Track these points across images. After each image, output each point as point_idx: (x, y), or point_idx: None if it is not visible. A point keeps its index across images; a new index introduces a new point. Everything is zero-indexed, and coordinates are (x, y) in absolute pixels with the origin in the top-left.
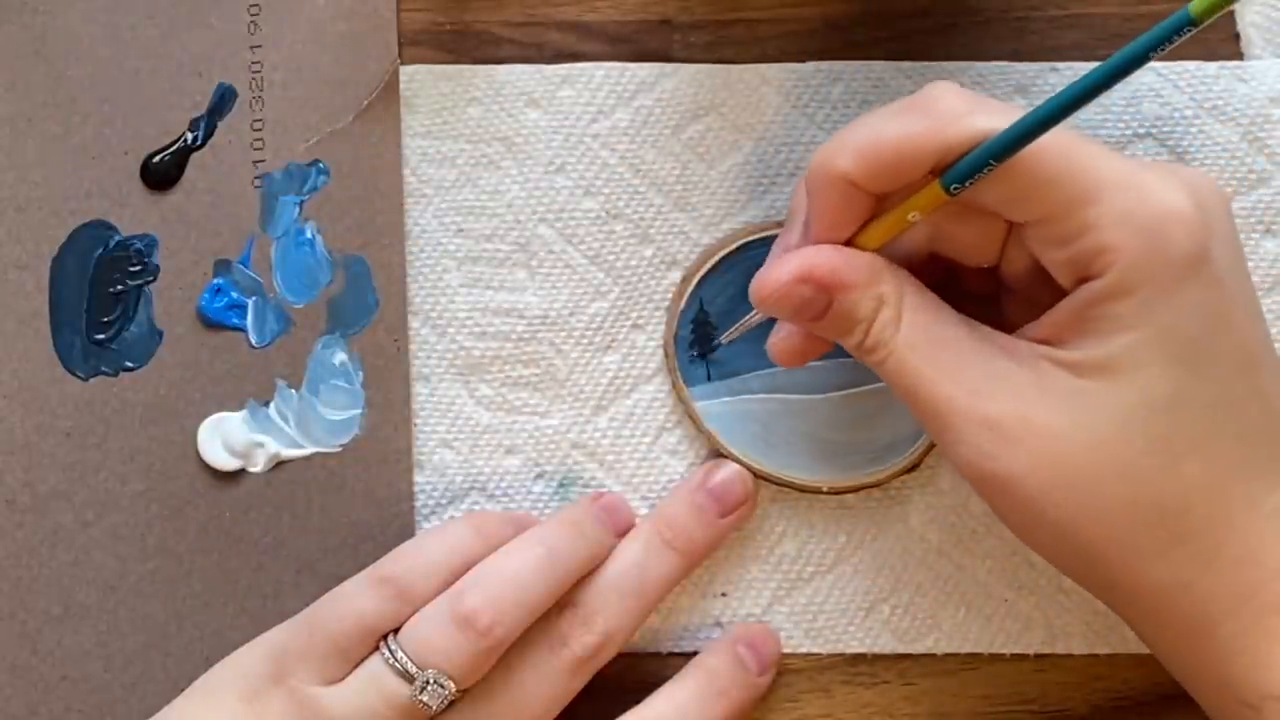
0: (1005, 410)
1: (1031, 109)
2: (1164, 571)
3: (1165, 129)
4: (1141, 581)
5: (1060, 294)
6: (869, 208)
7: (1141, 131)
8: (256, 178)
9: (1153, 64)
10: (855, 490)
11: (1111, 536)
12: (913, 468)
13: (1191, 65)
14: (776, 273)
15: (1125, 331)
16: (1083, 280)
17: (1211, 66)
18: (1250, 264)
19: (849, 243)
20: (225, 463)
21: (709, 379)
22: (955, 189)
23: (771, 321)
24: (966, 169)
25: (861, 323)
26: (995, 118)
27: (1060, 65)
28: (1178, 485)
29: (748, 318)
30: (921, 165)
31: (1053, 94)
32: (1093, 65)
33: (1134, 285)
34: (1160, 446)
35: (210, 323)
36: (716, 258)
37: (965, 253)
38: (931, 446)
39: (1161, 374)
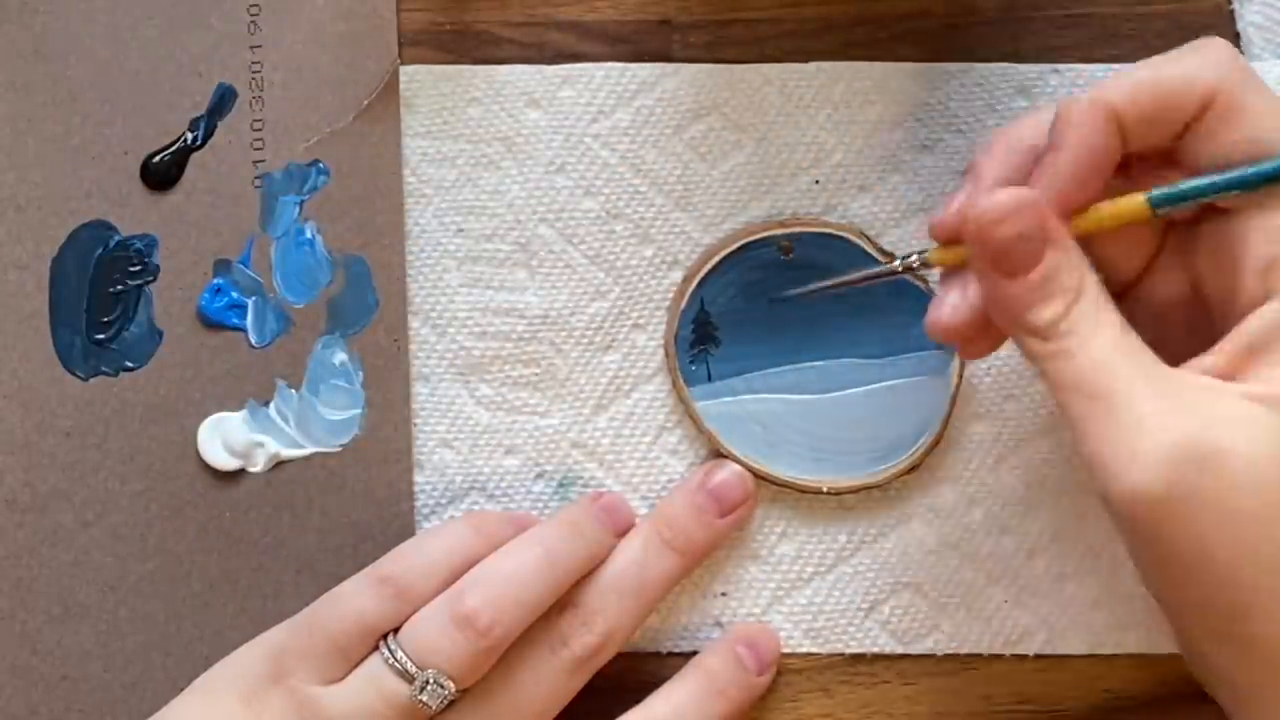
0: (1201, 434)
1: None
2: None
3: None
4: None
5: (1198, 328)
6: (1113, 162)
7: None
8: (256, 178)
9: None
10: (855, 491)
11: (1273, 586)
12: (913, 468)
13: None
14: (1001, 197)
15: None
16: (1263, 299)
17: None
18: None
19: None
20: (225, 463)
21: (709, 379)
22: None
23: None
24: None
25: (1065, 294)
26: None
27: (1061, 66)
28: None
29: (843, 278)
30: (1186, 114)
31: (1054, 96)
32: (1093, 66)
33: None
34: None
35: (210, 323)
36: (718, 257)
37: (1106, 272)
38: (933, 446)
39: None
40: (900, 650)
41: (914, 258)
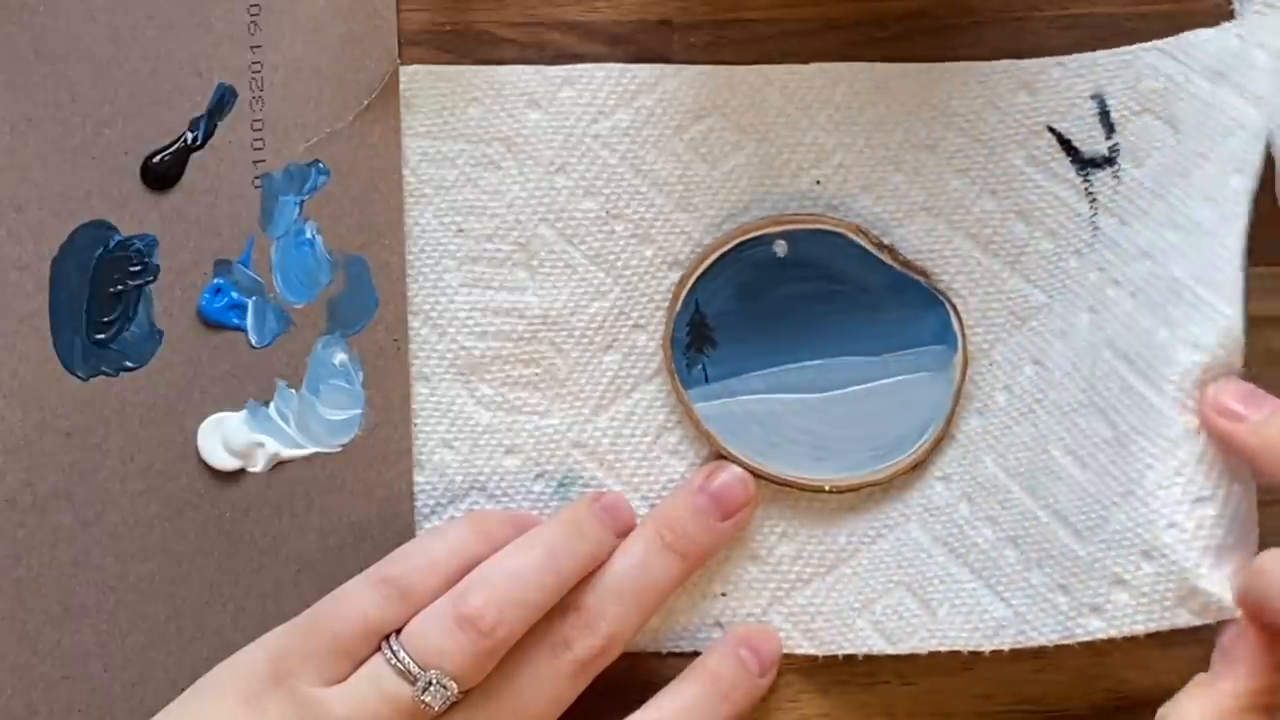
0: None
1: None
2: None
3: (1160, 103)
4: None
5: None
6: None
7: (1137, 109)
8: (256, 178)
9: (1155, 43)
10: (856, 489)
11: None
12: (914, 467)
13: (1189, 35)
14: None
15: None
16: None
17: (1208, 33)
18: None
19: None
20: (225, 463)
21: (706, 381)
22: None
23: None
24: None
25: None
26: None
27: (1065, 59)
28: None
29: None
30: None
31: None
32: (1096, 54)
33: None
34: None
35: (210, 323)
36: (711, 259)
37: None
38: (934, 445)
39: None
40: (900, 650)
41: None
